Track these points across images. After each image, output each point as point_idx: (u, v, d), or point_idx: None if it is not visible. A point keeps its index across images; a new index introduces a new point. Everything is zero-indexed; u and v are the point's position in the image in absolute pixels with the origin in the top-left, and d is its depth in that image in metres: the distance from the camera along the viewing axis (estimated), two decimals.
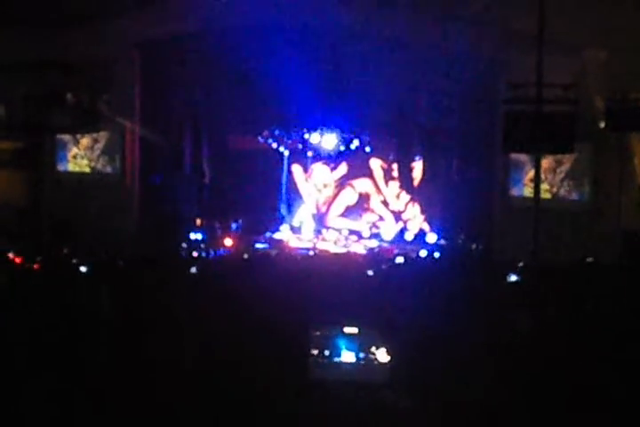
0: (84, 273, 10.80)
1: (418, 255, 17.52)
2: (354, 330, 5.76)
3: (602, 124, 17.44)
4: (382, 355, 5.65)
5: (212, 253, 18.24)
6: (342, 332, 5.73)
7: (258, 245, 20.75)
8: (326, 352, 5.69)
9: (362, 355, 5.66)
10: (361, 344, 5.67)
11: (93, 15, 17.64)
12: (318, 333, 5.73)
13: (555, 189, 18.97)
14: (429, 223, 21.96)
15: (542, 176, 16.97)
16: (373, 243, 21.49)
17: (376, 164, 22.86)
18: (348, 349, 5.66)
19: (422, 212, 22.22)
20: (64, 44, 18.77)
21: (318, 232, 22.43)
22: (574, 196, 18.84)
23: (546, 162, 17.99)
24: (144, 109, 21.21)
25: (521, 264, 12.54)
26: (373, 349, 5.67)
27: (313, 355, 5.65)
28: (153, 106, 21.27)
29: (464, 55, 19.11)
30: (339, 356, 5.68)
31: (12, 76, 19.16)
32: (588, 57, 17.72)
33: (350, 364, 5.66)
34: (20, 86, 19.39)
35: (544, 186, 17.71)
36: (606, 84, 17.53)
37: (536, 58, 14.55)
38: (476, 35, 18.32)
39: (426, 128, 21.45)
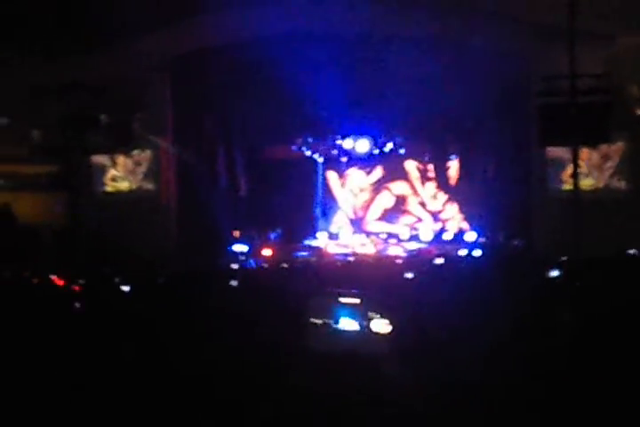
0: (126, 292, 10.78)
1: (457, 255, 17.34)
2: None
3: (638, 112, 17.18)
4: (383, 326, 5.54)
5: (252, 264, 18.19)
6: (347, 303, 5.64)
7: (297, 254, 20.67)
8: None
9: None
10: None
11: (122, 36, 17.74)
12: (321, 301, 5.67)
13: (594, 181, 18.74)
14: (468, 222, 21.77)
15: (581, 168, 16.73)
16: (412, 245, 21.32)
17: (411, 165, 22.72)
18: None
19: (461, 211, 22.03)
20: (95, 65, 18.90)
21: (357, 237, 22.32)
22: (615, 186, 18.59)
23: (584, 153, 17.75)
24: (177, 126, 21.34)
25: (563, 258, 12.34)
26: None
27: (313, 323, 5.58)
28: (185, 122, 21.39)
29: (493, 51, 18.95)
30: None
31: (45, 99, 19.31)
32: (620, 44, 17.47)
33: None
34: (55, 110, 19.55)
35: (584, 178, 17.47)
36: None
37: (567, 49, 14.33)
38: (504, 29, 18.16)
39: (459, 127, 21.27)
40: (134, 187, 21.60)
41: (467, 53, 19.09)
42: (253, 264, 18.12)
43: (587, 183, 18.23)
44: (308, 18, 18.34)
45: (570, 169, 16.54)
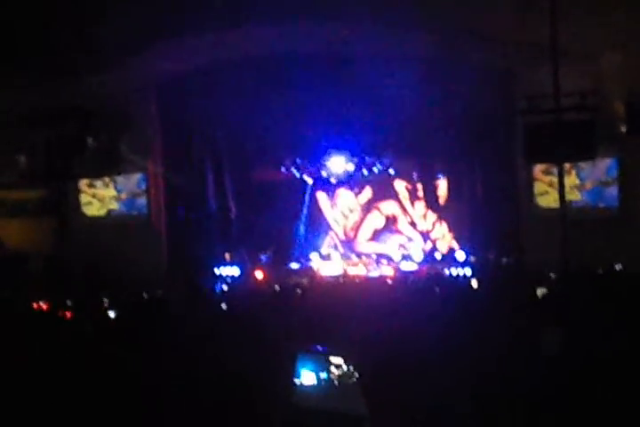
0: (114, 317, 10.75)
1: (448, 274, 17.37)
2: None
3: (623, 129, 17.27)
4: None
5: (242, 286, 18.16)
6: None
7: (288, 276, 20.63)
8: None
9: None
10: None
11: (108, 59, 17.75)
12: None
13: (581, 197, 18.83)
14: (458, 241, 21.79)
15: (568, 184, 16.81)
16: (404, 265, 21.32)
17: (400, 185, 22.77)
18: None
19: (450, 230, 22.07)
20: (81, 89, 18.86)
21: (348, 258, 22.31)
22: (601, 203, 18.68)
23: (570, 170, 17.84)
24: (165, 148, 21.33)
25: (552, 275, 12.37)
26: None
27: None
28: (173, 144, 21.39)
29: (478, 70, 19.06)
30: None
31: (31, 124, 19.31)
32: (604, 62, 17.58)
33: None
34: (40, 134, 19.56)
35: (570, 194, 17.55)
36: (624, 88, 17.37)
37: (551, 67, 14.41)
38: (488, 48, 18.26)
39: (446, 146, 21.33)
40: (123, 210, 21.56)
41: (453, 73, 19.20)
42: (244, 287, 18.09)
43: (574, 199, 18.32)
44: (296, 39, 18.41)
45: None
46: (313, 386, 5.39)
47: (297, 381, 5.40)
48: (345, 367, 5.36)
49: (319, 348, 5.59)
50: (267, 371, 6.17)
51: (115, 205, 21.66)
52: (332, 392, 5.35)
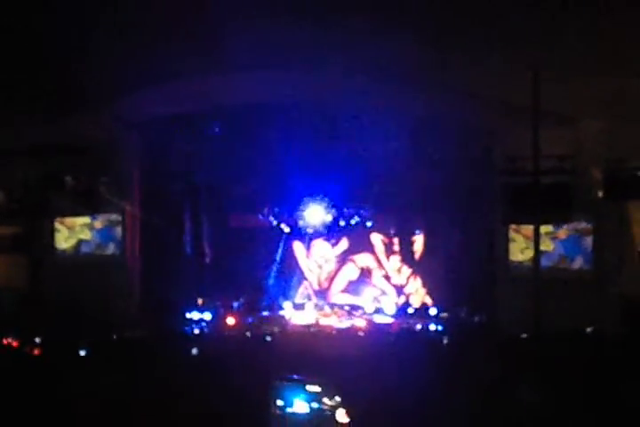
0: (83, 356, 10.69)
1: (419, 330, 17.39)
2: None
3: (600, 194, 17.51)
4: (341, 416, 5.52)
5: (213, 332, 18.07)
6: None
7: (260, 323, 20.56)
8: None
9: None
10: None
11: (90, 99, 17.82)
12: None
13: (556, 258, 18.97)
14: (432, 296, 21.85)
15: (543, 245, 16.95)
16: (376, 317, 21.31)
17: (377, 238, 22.85)
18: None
19: (424, 285, 22.13)
20: (62, 127, 18.88)
21: (320, 308, 22.27)
22: (575, 264, 18.83)
23: (546, 231, 18.00)
24: (144, 190, 21.31)
25: (524, 335, 12.43)
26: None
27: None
28: (153, 186, 21.37)
29: (460, 128, 19.33)
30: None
31: (10, 160, 19.28)
32: (584, 127, 17.88)
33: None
34: (19, 170, 19.52)
35: (543, 244, 17.68)
36: (603, 154, 17.65)
37: (532, 129, 14.67)
38: (469, 106, 18.53)
39: (424, 202, 21.49)
40: (98, 250, 21.45)
41: (432, 129, 19.48)
42: (214, 333, 18.01)
43: (546, 249, 18.43)
44: (276, 88, 18.57)
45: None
46: (292, 413, 5.47)
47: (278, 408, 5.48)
48: (322, 397, 5.45)
49: (295, 376, 5.66)
50: (235, 412, 6.18)
51: (92, 245, 21.51)
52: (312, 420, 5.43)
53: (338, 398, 5.67)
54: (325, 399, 5.62)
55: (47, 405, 6.81)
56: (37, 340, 12.35)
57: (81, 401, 7.14)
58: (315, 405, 5.64)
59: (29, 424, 6.31)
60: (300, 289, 23.16)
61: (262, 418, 5.90)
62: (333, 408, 5.61)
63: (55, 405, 6.85)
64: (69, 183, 19.71)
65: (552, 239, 18.88)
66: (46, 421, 6.42)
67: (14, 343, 11.81)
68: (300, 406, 5.65)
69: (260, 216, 22.54)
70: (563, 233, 18.84)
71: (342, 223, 22.62)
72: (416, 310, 21.72)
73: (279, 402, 5.76)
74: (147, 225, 21.17)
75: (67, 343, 12.26)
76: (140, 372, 8.58)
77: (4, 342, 11.83)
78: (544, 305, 13.25)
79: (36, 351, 11.46)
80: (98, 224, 21.42)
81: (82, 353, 10.75)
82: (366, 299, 22.49)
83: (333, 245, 23.22)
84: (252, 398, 6.55)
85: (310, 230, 23.03)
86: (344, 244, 23.14)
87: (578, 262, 18.90)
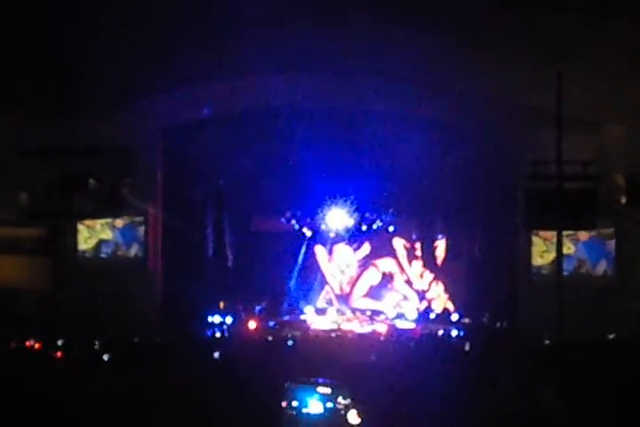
0: (104, 359, 10.71)
1: (441, 336, 17.31)
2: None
3: (623, 200, 17.38)
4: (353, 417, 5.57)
5: (235, 336, 18.07)
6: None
7: (281, 327, 20.53)
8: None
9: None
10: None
11: (113, 100, 17.88)
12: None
13: (579, 265, 18.85)
14: (453, 302, 21.76)
15: (566, 252, 16.87)
16: (397, 323, 21.25)
17: (399, 243, 22.78)
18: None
19: (446, 290, 22.04)
20: (87, 129, 18.97)
21: (342, 313, 22.23)
22: (598, 271, 18.70)
23: (566, 233, 17.89)
24: (166, 193, 21.34)
25: (546, 342, 12.35)
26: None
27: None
28: (175, 189, 21.41)
29: (484, 133, 19.26)
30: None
31: (34, 162, 19.37)
32: (607, 133, 17.77)
33: None
34: (43, 172, 19.60)
35: (567, 259, 17.58)
36: (626, 159, 17.53)
37: (555, 135, 14.58)
38: (493, 112, 18.47)
39: (448, 207, 21.43)
40: (122, 252, 21.50)
41: (456, 135, 19.41)
42: (236, 337, 18.00)
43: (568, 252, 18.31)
44: (299, 91, 18.58)
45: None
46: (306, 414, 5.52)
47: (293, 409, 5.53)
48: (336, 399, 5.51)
49: (308, 379, 5.72)
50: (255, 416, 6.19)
51: (114, 248, 21.57)
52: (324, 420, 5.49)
53: (350, 399, 5.70)
54: (340, 399, 5.67)
55: (70, 406, 6.83)
56: (59, 342, 12.38)
57: (103, 403, 7.15)
58: (329, 405, 5.69)
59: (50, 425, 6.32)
60: (322, 294, 23.12)
61: (278, 419, 5.93)
62: (347, 408, 5.66)
63: (78, 406, 6.87)
64: (92, 185, 19.77)
65: (572, 241, 18.72)
66: (67, 422, 6.43)
67: (37, 345, 11.87)
68: (314, 406, 5.69)
69: (283, 220, 22.54)
70: (584, 236, 18.70)
71: (364, 228, 22.58)
72: (438, 315, 21.65)
73: (294, 403, 5.81)
74: (169, 227, 21.22)
75: (88, 346, 12.31)
76: (161, 375, 8.58)
77: (27, 344, 11.89)
78: (569, 312, 13.14)
79: (59, 354, 11.47)
80: (119, 225, 21.47)
81: (104, 356, 10.76)
82: (388, 304, 22.43)
83: (355, 249, 23.17)
84: (271, 401, 6.56)
85: (332, 235, 23.00)
86: (366, 248, 23.08)
87: (600, 267, 18.77)
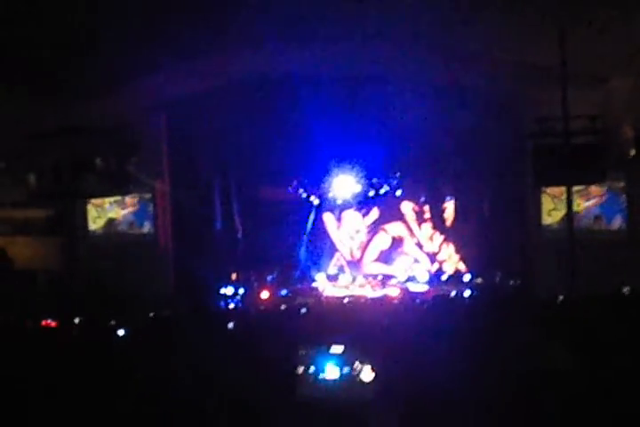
0: (121, 336, 10.72)
1: (453, 296, 17.31)
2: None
3: (632, 153, 17.28)
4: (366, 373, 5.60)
5: (248, 306, 18.13)
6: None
7: (294, 296, 20.60)
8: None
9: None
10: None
11: (116, 78, 17.80)
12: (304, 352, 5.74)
13: (589, 220, 18.80)
14: (465, 263, 21.78)
15: (576, 207, 16.79)
16: (410, 286, 21.30)
17: (407, 207, 22.77)
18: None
19: (457, 251, 22.05)
20: (90, 108, 18.92)
21: (354, 279, 22.29)
22: (613, 226, 18.65)
23: (579, 192, 17.82)
24: (173, 168, 21.36)
25: (560, 298, 12.34)
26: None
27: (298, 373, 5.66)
28: (181, 164, 21.41)
29: (486, 92, 19.12)
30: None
31: (40, 144, 19.37)
32: (613, 86, 17.60)
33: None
34: (49, 154, 19.60)
35: (579, 217, 17.52)
36: (634, 112, 17.39)
37: (560, 90, 14.45)
38: (497, 71, 18.31)
39: (454, 168, 21.36)
40: (131, 229, 21.58)
41: (460, 95, 19.26)
42: (250, 307, 18.06)
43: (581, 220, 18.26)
44: (303, 60, 18.46)
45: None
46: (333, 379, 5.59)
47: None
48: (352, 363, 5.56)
49: (324, 345, 5.75)
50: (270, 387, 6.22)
51: (124, 225, 21.62)
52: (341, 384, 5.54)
53: (366, 363, 5.73)
54: (356, 363, 5.71)
55: (93, 384, 6.86)
56: (76, 320, 12.41)
57: (122, 378, 7.18)
58: (346, 369, 5.73)
59: (75, 405, 6.35)
60: (333, 260, 23.18)
61: (295, 386, 5.97)
62: (361, 369, 5.70)
63: (100, 383, 6.90)
64: (99, 165, 19.79)
65: (582, 198, 18.63)
66: (88, 399, 6.46)
67: (53, 324, 11.91)
68: (331, 371, 5.73)
69: (290, 189, 22.53)
70: (597, 191, 18.60)
71: (372, 193, 22.55)
72: (450, 276, 21.70)
73: (310, 369, 5.85)
74: (177, 202, 21.25)
75: (105, 323, 12.34)
76: (177, 348, 8.60)
77: (43, 323, 11.93)
78: (580, 267, 13.13)
79: (76, 332, 11.51)
80: (129, 203, 21.52)
81: (120, 332, 10.78)
82: (399, 268, 22.46)
83: (364, 215, 23.19)
84: (287, 368, 6.59)
85: (340, 201, 22.99)
86: (375, 213, 23.09)
87: (615, 222, 18.69)
